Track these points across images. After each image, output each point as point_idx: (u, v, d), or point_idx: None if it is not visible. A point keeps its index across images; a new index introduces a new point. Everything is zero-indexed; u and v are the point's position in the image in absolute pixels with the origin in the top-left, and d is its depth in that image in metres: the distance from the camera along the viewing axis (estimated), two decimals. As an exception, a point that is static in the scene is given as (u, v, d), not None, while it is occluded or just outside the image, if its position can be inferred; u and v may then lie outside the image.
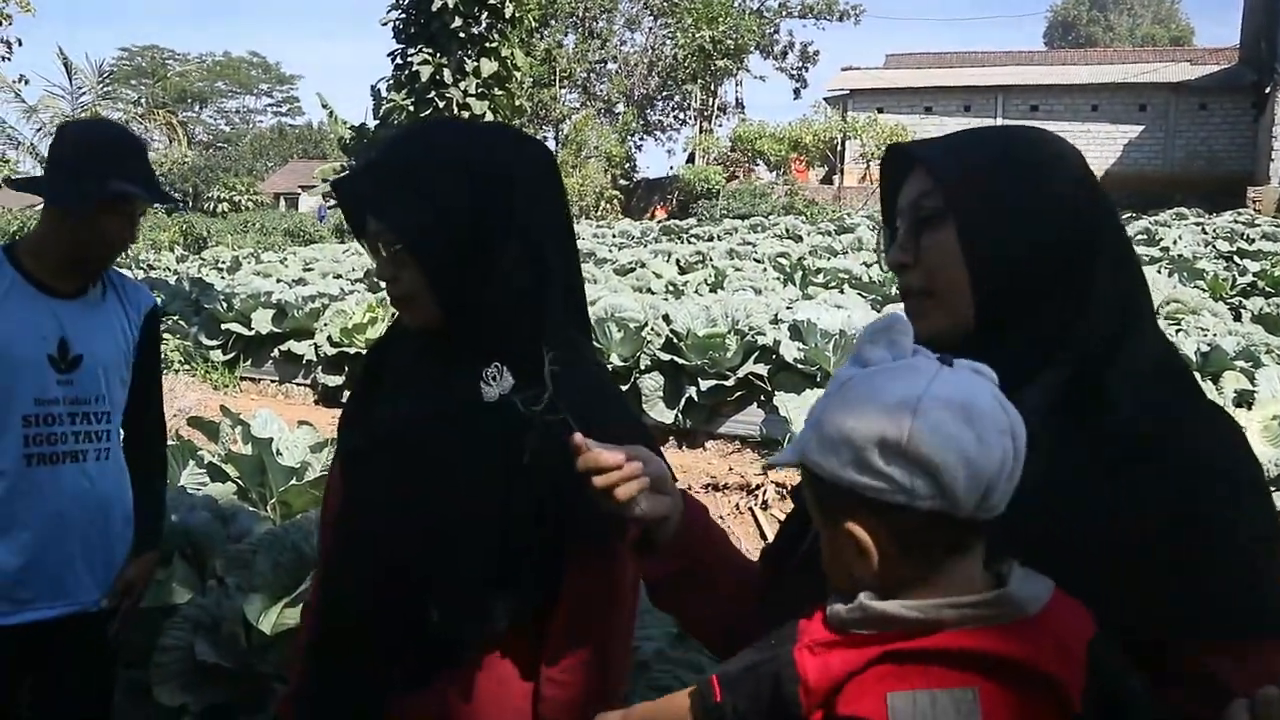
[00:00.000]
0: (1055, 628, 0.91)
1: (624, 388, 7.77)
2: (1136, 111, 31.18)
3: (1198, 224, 19.43)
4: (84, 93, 26.28)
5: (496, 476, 1.42)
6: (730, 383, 7.43)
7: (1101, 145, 30.99)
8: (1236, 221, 19.53)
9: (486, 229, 1.44)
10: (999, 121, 31.47)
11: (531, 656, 1.46)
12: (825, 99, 35.79)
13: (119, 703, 2.87)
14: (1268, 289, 10.40)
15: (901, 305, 1.19)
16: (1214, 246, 15.27)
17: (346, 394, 1.65)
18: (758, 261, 15.25)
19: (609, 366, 7.84)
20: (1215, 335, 7.02)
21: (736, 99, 41.43)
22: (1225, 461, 1.06)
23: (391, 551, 1.47)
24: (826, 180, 33.75)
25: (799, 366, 7.25)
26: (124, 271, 2.52)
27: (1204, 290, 10.33)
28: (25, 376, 2.20)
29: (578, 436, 1.14)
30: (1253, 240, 15.81)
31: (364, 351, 1.69)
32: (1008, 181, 1.11)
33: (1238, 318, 8.98)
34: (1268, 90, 27.25)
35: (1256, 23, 29.58)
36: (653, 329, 7.90)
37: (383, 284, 1.50)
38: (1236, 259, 13.37)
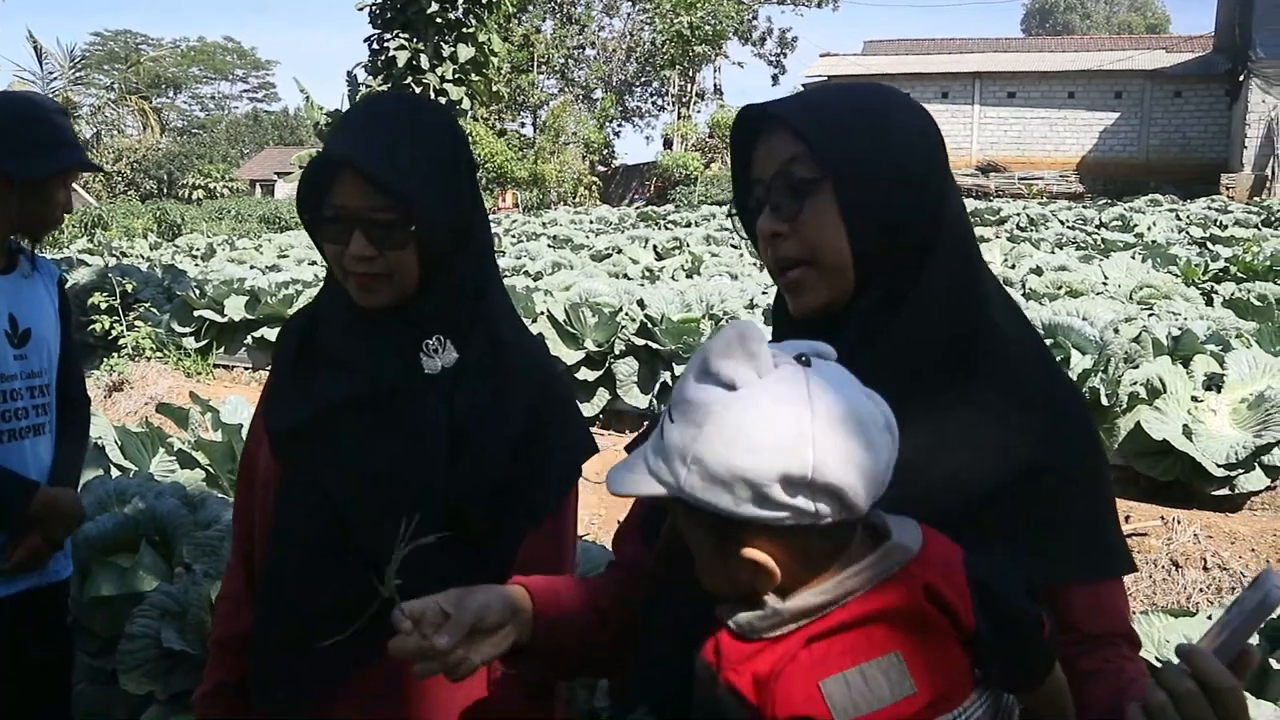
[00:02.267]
0: (937, 558, 0.93)
1: (599, 373, 7.78)
2: (1112, 99, 31.35)
3: (1171, 210, 19.57)
4: (55, 77, 25.99)
5: (437, 447, 1.44)
6: (706, 368, 7.41)
7: (1077, 132, 31.20)
8: (1210, 208, 19.68)
9: (470, 207, 1.48)
10: (976, 109, 31.62)
11: None
12: (803, 85, 35.78)
13: (86, 691, 2.86)
14: (1239, 274, 10.47)
15: None
16: (1187, 233, 15.38)
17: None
18: (735, 247, 15.23)
19: (585, 352, 7.84)
20: (1186, 320, 7.08)
21: (715, 85, 41.42)
22: (1079, 409, 1.14)
23: (339, 528, 1.47)
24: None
25: (774, 352, 7.24)
26: (82, 257, 2.50)
27: (1177, 276, 10.39)
28: None
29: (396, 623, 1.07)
30: (1225, 227, 15.93)
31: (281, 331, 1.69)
32: (876, 144, 1.09)
33: (1209, 303, 9.04)
34: (1241, 78, 27.46)
35: (1230, 11, 29.77)
36: (627, 314, 7.88)
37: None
38: (1209, 245, 13.46)
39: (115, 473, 4.03)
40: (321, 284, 1.62)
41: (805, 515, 0.87)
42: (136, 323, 9.71)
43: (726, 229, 18.46)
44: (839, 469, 0.86)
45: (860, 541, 0.94)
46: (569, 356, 7.71)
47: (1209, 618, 2.49)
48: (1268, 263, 10.68)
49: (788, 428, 0.86)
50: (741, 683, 0.91)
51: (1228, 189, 25.71)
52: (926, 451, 1.05)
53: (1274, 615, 1.92)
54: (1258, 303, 8.42)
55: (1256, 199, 23.63)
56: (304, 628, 1.48)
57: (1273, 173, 26.02)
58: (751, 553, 0.90)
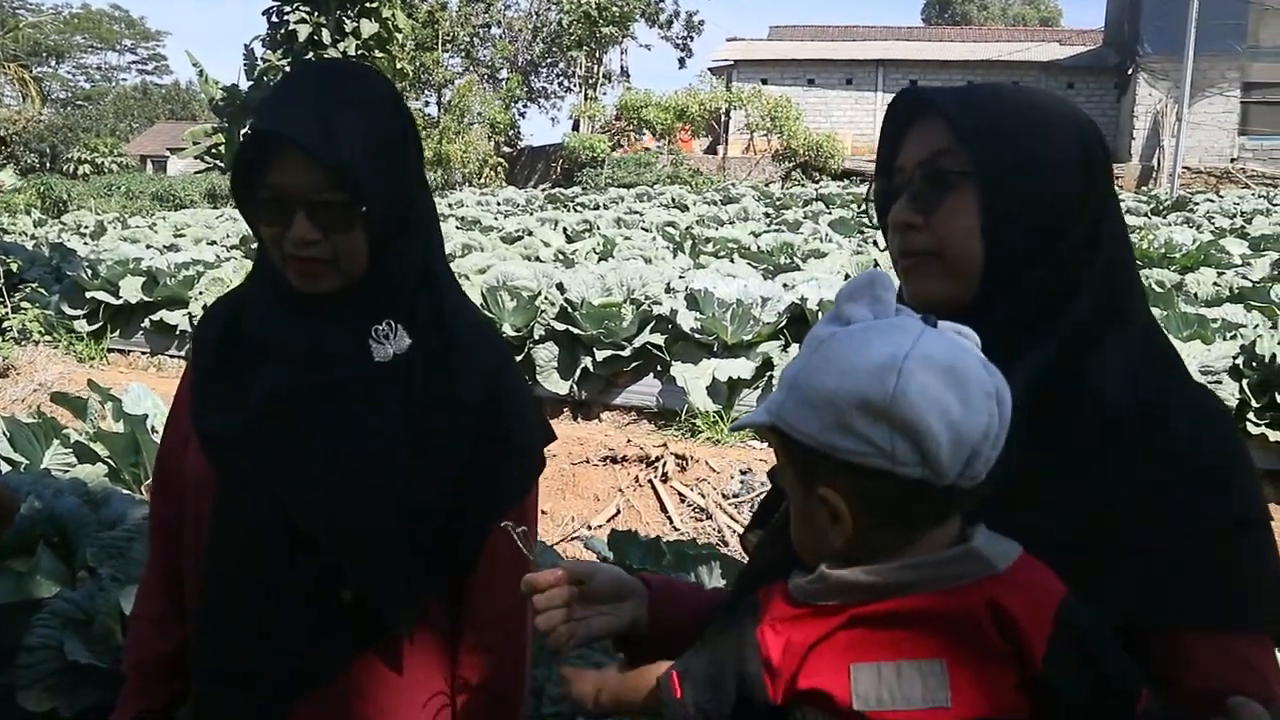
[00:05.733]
0: (1024, 584, 0.89)
1: (518, 358, 7.63)
2: (1009, 88, 32.24)
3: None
4: (-76, 42, 24.52)
5: (398, 442, 1.35)
6: (626, 353, 7.34)
7: (976, 120, 31.97)
8: (1103, 196, 20.35)
9: (416, 185, 1.39)
10: (879, 95, 32.19)
11: (448, 630, 1.44)
12: (710, 69, 35.94)
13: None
14: (1137, 261, 10.84)
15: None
16: (1084, 220, 15.86)
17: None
18: (646, 230, 15.20)
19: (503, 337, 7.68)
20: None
21: (622, 67, 41.31)
22: (1211, 448, 1.03)
23: (292, 535, 1.36)
24: (710, 150, 33.95)
25: (696, 336, 7.21)
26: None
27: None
28: None
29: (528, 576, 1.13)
30: (1119, 215, 16.47)
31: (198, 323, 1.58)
32: (1030, 147, 1.04)
33: (1110, 289, 9.31)
34: (1129, 72, 28.51)
35: (1119, 7, 30.91)
36: (546, 298, 7.75)
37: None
38: (1105, 232, 13.91)
39: (4, 467, 3.76)
40: (251, 268, 1.48)
41: (882, 454, 0.85)
42: (23, 304, 9.23)
43: (637, 212, 18.42)
44: (921, 407, 0.84)
45: (941, 544, 0.90)
46: (486, 341, 7.55)
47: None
48: (1162, 250, 11.07)
49: (880, 357, 0.85)
50: (774, 641, 0.90)
51: (1119, 178, 26.70)
52: (1030, 480, 0.98)
53: None
54: (1158, 289, 8.70)
55: (1144, 188, 24.61)
56: (252, 646, 1.38)
57: (1158, 163, 27.12)
58: (826, 492, 0.89)
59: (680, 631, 1.14)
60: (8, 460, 3.98)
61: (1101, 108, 31.55)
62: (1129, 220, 14.07)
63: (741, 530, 1.37)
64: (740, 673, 0.91)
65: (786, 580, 0.94)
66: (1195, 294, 8.71)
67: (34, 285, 9.87)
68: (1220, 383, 5.75)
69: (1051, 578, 0.90)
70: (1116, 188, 1.13)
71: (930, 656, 0.86)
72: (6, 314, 9.06)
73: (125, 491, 3.44)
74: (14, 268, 9.53)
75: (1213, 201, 19.04)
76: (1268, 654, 1.01)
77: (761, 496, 1.29)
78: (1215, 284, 8.92)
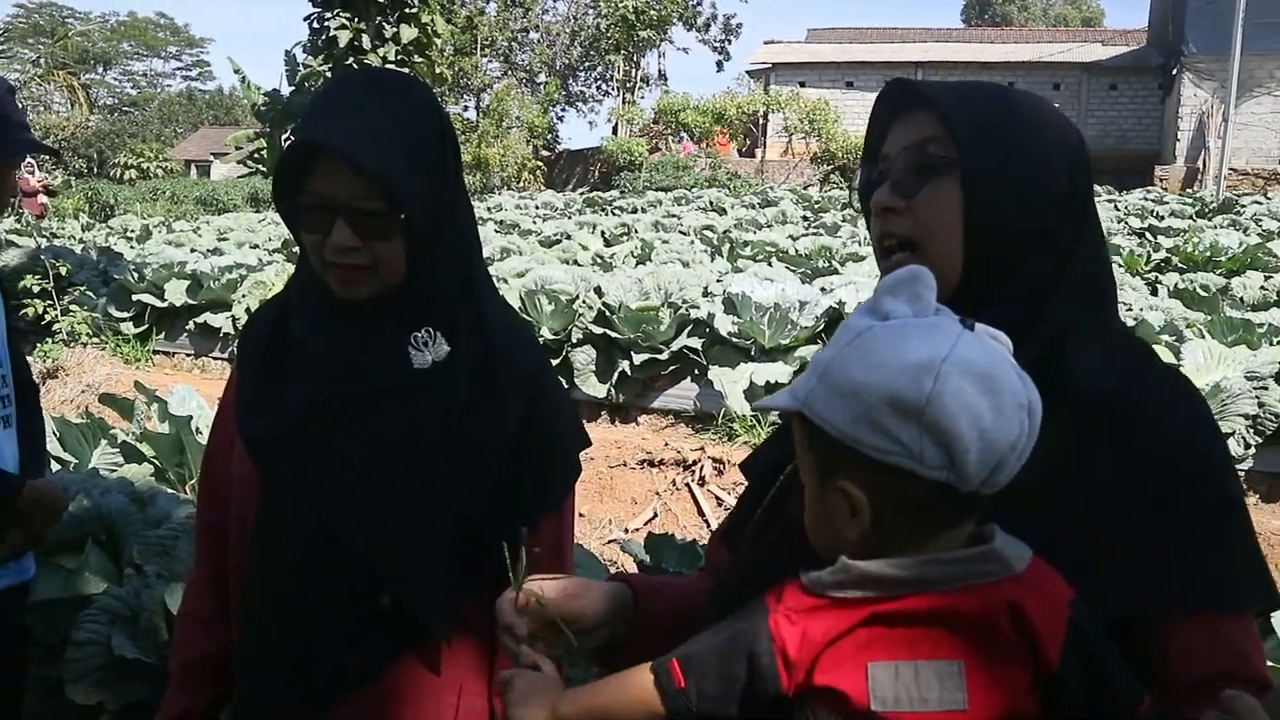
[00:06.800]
0: (1040, 586, 0.89)
1: (555, 361, 7.66)
2: (1050, 90, 31.85)
3: (1110, 201, 19.91)
4: (-23, 51, 25.02)
5: (436, 449, 1.37)
6: (664, 356, 7.34)
7: (1017, 123, 31.60)
8: (1146, 199, 20.06)
9: (455, 189, 1.41)
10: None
11: (486, 632, 1.42)
12: (748, 72, 35.88)
13: (28, 701, 2.69)
14: (1180, 265, 10.66)
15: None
16: (1126, 223, 15.64)
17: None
18: (684, 234, 15.16)
19: (540, 340, 7.71)
20: (1141, 310, 7.15)
21: (659, 70, 41.34)
22: (1191, 432, 1.05)
23: (332, 540, 1.38)
24: (747, 154, 33.86)
25: (733, 340, 7.19)
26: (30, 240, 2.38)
27: (1120, 265, 10.55)
28: None
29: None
30: (1163, 217, 16.23)
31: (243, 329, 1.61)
32: (1019, 146, 1.05)
33: (1154, 293, 9.18)
34: (1174, 72, 28.06)
35: (1163, 6, 30.41)
36: (584, 301, 7.77)
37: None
38: (1149, 235, 13.70)
39: (55, 466, 3.83)
40: (293, 274, 1.50)
41: (909, 454, 0.84)
42: (71, 307, 9.38)
43: (675, 215, 18.41)
44: (955, 412, 0.83)
45: (956, 544, 0.89)
46: (524, 344, 7.58)
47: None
48: (1207, 253, 10.88)
49: (917, 357, 0.85)
50: (790, 632, 0.88)
51: (1162, 180, 26.29)
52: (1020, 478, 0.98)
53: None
54: (1203, 293, 8.57)
55: (1189, 190, 24.20)
56: (292, 648, 1.40)
57: (1203, 165, 26.66)
58: (848, 486, 0.88)
59: (663, 631, 1.12)
60: (58, 460, 4.04)
61: (1145, 109, 31.11)
62: (1174, 223, 13.88)
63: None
64: (752, 663, 0.89)
65: (793, 577, 0.92)
66: (1241, 298, 8.56)
67: (82, 288, 10.02)
68: (1266, 388, 5.64)
69: (1060, 579, 0.90)
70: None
71: (948, 657, 0.86)
72: (56, 316, 9.22)
73: (170, 491, 3.49)
74: (63, 271, 9.69)
75: (1260, 204, 18.67)
76: (1250, 632, 1.02)
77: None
78: (1263, 288, 8.76)
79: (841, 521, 0.90)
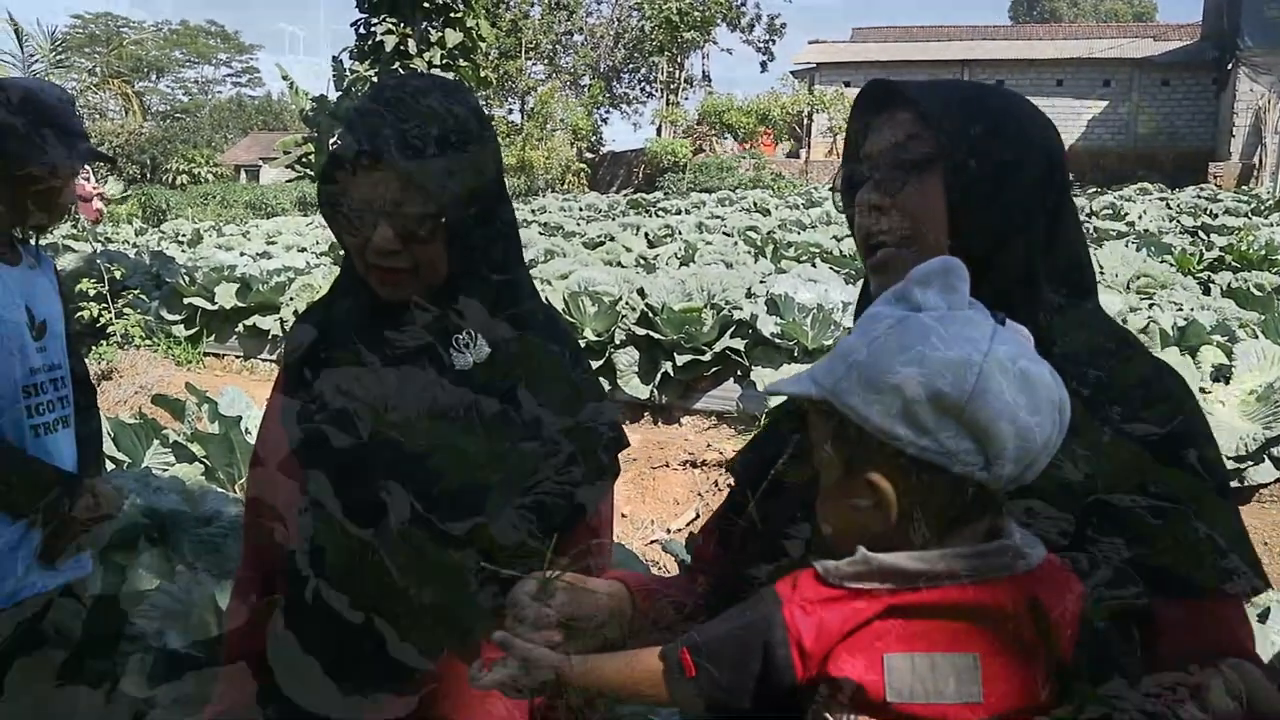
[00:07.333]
0: (1056, 580, 0.89)
1: (598, 363, 7.69)
2: (1100, 87, 31.38)
3: (1161, 199, 19.58)
4: (36, 60, 25.56)
5: (475, 451, 1.38)
6: (706, 357, 7.35)
7: (1065, 120, 31.16)
8: (1199, 197, 19.70)
9: (496, 190, 1.43)
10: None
11: None
12: (792, 72, 35.73)
13: (80, 692, 2.75)
14: (1234, 264, 10.46)
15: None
16: (1178, 221, 15.37)
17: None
18: (727, 235, 15.14)
19: (584, 341, 7.74)
20: (1191, 310, 7.03)
21: (703, 71, 41.27)
22: (1178, 419, 1.06)
23: (374, 538, 1.39)
24: (792, 154, 33.73)
25: (776, 341, 7.18)
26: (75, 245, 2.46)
27: (1172, 265, 10.37)
28: (16, 347, 2.13)
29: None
30: (1216, 215, 15.93)
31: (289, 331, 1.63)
32: (999, 139, 1.07)
33: (1206, 292, 9.02)
34: (1229, 67, 27.50)
35: (1217, 0, 29.80)
36: (627, 303, 7.79)
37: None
38: (1202, 234, 13.45)
39: (109, 466, 3.92)
40: (337, 276, 1.53)
41: (943, 452, 0.83)
42: (125, 310, 9.57)
43: (718, 216, 18.37)
44: (996, 410, 0.83)
45: (975, 538, 0.89)
46: (567, 346, 7.62)
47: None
48: (1262, 252, 10.66)
49: (959, 354, 0.84)
50: (805, 623, 0.87)
51: (1215, 177, 25.77)
52: None
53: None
54: (1257, 292, 8.40)
55: (1244, 187, 23.70)
56: (335, 645, 1.42)
57: (1260, 161, 26.11)
58: (876, 478, 0.87)
59: (657, 631, 1.12)
60: (112, 459, 4.14)
61: (1199, 105, 30.51)
62: (1228, 221, 13.62)
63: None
64: (767, 653, 0.88)
65: (807, 568, 0.91)
66: (1297, 297, 8.38)
67: (136, 292, 10.23)
68: (1322, 389, 5.52)
69: (1071, 573, 0.91)
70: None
71: (965, 650, 0.85)
72: (111, 319, 9.41)
73: (220, 490, 3.56)
74: (118, 275, 9.89)
75: (1318, 201, 18.26)
76: (1242, 616, 1.04)
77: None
78: (1320, 287, 8.57)
79: (864, 513, 0.89)
